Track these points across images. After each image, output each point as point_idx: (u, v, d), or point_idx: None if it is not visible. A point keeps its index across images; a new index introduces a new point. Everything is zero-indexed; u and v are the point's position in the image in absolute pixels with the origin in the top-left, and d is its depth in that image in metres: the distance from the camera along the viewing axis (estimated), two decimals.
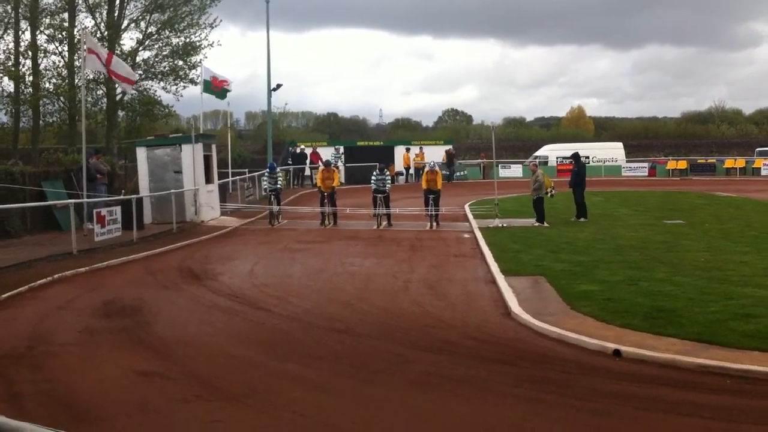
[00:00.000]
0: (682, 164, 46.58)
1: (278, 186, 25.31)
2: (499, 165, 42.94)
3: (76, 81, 32.81)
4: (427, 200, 23.32)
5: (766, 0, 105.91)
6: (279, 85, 41.39)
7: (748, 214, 24.11)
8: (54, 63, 34.32)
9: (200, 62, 35.81)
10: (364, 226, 23.22)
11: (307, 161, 40.51)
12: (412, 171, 42.17)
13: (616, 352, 8.56)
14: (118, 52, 34.23)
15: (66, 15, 34.40)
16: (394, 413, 6.91)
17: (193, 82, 36.21)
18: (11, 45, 33.81)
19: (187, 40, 36.50)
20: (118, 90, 34.81)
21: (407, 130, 73.13)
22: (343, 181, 36.94)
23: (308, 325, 10.44)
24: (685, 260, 14.67)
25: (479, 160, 47.08)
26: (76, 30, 33.41)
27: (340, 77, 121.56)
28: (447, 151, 43.87)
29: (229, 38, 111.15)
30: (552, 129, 75.53)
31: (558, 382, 7.70)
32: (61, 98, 34.24)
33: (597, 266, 14.11)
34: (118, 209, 19.02)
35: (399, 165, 42.70)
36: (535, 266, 14.35)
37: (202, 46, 36.54)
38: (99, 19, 35.29)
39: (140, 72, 35.86)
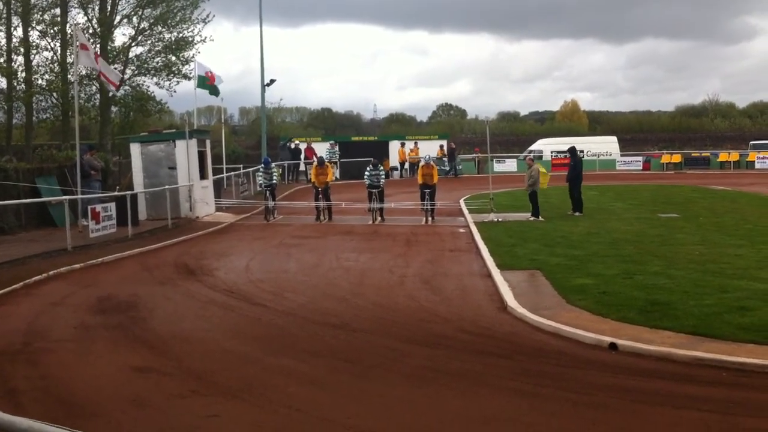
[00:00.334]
0: (677, 158, 46.65)
1: (273, 181, 25.31)
2: (494, 159, 42.95)
3: (69, 77, 32.69)
4: (423, 195, 23.31)
5: None
6: (272, 81, 41.31)
7: (743, 207, 24.17)
8: (46, 59, 34.21)
9: (193, 57, 35.73)
10: (359, 222, 23.20)
11: (302, 156, 40.46)
12: (407, 166, 42.15)
13: (612, 346, 8.58)
14: (110, 47, 34.16)
15: (58, 11, 34.25)
16: (389, 408, 6.90)
17: (186, 77, 36.09)
18: (3, 41, 33.67)
19: (180, 35, 36.39)
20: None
21: (401, 125, 72.99)
22: (337, 176, 36.94)
23: (303, 320, 10.44)
24: (679, 254, 14.71)
25: (474, 155, 47.07)
26: (68, 26, 33.28)
27: (335, 72, 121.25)
28: (449, 146, 43.89)
29: (223, 33, 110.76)
30: (546, 123, 75.45)
31: (554, 375, 7.71)
32: (54, 94, 34.10)
33: (592, 260, 14.13)
34: (112, 205, 18.98)
35: (394, 160, 42.71)
36: (531, 260, 14.37)
37: (195, 41, 36.45)
38: (91, 15, 35.17)
39: (133, 68, 35.76)
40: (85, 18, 34.85)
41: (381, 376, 7.84)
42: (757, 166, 43.86)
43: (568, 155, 26.43)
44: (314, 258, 16.19)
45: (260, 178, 25.85)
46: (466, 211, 24.27)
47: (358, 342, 9.26)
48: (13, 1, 33.14)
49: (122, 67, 34.26)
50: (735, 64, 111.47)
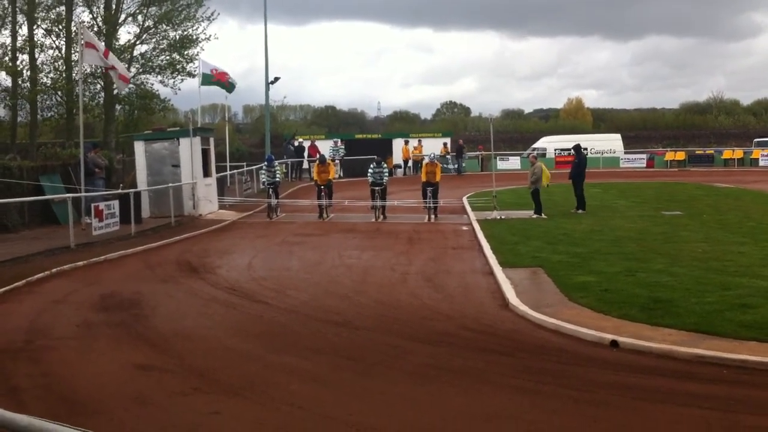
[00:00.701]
0: (681, 155, 46.54)
1: (277, 179, 25.36)
2: (498, 157, 42.88)
3: (74, 75, 32.74)
4: (425, 192, 23.32)
5: None
6: (277, 78, 41.26)
7: (746, 204, 24.13)
8: (51, 57, 34.27)
9: (197, 55, 35.78)
10: (362, 219, 23.21)
11: (305, 154, 40.46)
12: (410, 164, 42.13)
13: (614, 343, 8.58)
14: (114, 46, 34.18)
15: (63, 9, 34.31)
16: (392, 405, 6.92)
17: (190, 75, 36.17)
18: (8, 40, 33.74)
19: (185, 33, 36.44)
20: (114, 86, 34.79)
21: (405, 123, 73.00)
22: (340, 174, 36.95)
23: (306, 317, 10.46)
24: (682, 251, 14.70)
25: (477, 153, 47.04)
26: (73, 24, 33.34)
27: (339, 70, 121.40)
28: (457, 143, 43.84)
29: (228, 31, 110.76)
30: (550, 121, 75.40)
31: (555, 372, 7.71)
32: (59, 92, 34.18)
33: (594, 257, 14.13)
34: (116, 203, 19.00)
35: (398, 158, 42.68)
36: (533, 258, 14.37)
37: (200, 39, 36.49)
38: (96, 13, 35.23)
39: (138, 66, 35.81)
40: (90, 16, 34.95)
41: (383, 373, 7.85)
42: (762, 163, 43.71)
43: (572, 152, 26.41)
44: (317, 256, 16.21)
45: (263, 175, 25.88)
46: (469, 209, 24.26)
47: (360, 339, 9.28)
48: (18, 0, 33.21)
49: (127, 65, 34.30)
50: (740, 61, 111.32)
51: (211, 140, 26.22)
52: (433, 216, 22.94)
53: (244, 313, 10.80)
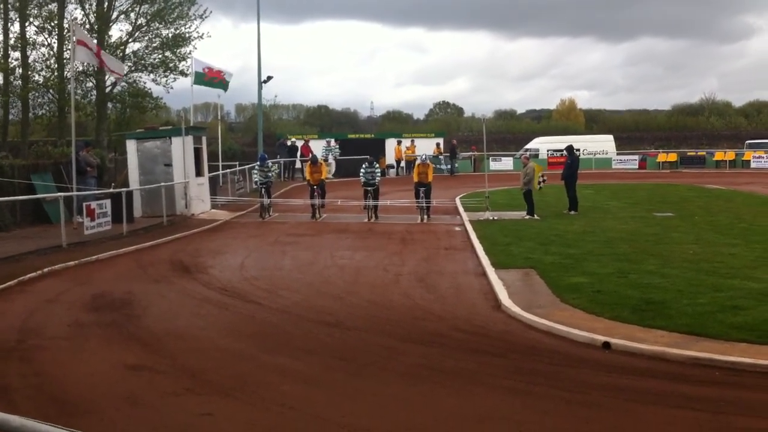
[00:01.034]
0: (673, 157, 46.65)
1: (270, 178, 25.32)
2: (490, 158, 42.93)
3: (66, 73, 32.65)
4: (417, 193, 23.33)
5: None
6: (270, 77, 41.25)
7: (738, 206, 24.20)
8: (43, 55, 34.16)
9: (190, 54, 35.70)
10: (354, 219, 23.20)
11: (298, 154, 40.42)
12: (403, 164, 42.12)
13: (606, 345, 8.60)
14: (106, 43, 34.09)
15: (55, 6, 34.18)
16: (384, 406, 6.92)
17: (183, 74, 36.07)
18: (0, 37, 33.59)
19: (177, 31, 36.36)
20: (108, 82, 34.68)
21: (398, 123, 72.94)
22: (332, 174, 36.91)
23: (298, 318, 10.45)
24: (674, 252, 14.74)
25: (470, 153, 47.07)
26: (65, 21, 33.22)
27: (332, 69, 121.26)
28: (450, 144, 43.84)
29: (222, 30, 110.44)
30: (543, 122, 75.43)
31: (547, 374, 7.73)
32: (51, 90, 34.07)
33: (587, 259, 14.16)
34: (107, 202, 18.93)
35: (390, 158, 42.67)
36: (525, 259, 14.39)
37: (192, 37, 36.42)
38: (88, 11, 35.13)
39: (130, 64, 35.70)
40: (82, 13, 34.85)
41: (375, 374, 7.86)
42: (753, 165, 43.84)
43: (565, 153, 26.45)
44: (309, 256, 16.19)
45: (256, 175, 25.86)
46: (461, 210, 24.28)
47: (352, 340, 9.28)
48: None
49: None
50: (732, 63, 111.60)
51: (204, 139, 26.18)
52: (425, 216, 22.95)
53: (236, 313, 10.79)
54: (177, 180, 23.20)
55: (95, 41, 26.79)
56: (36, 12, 33.87)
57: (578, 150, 34.59)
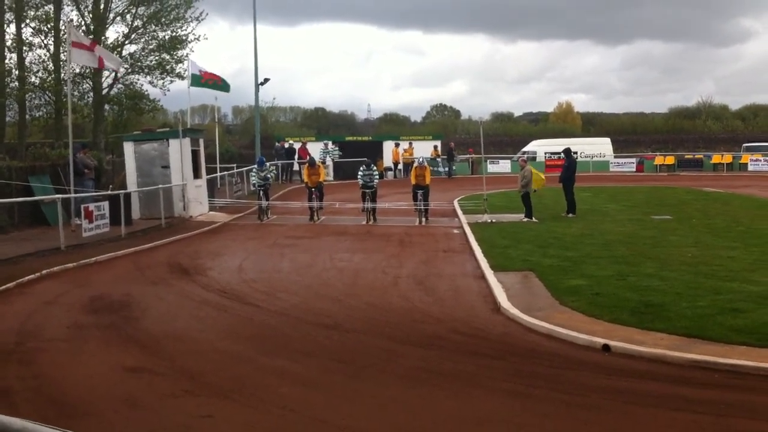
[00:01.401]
0: (670, 160, 46.70)
1: (267, 181, 25.28)
2: (488, 160, 42.95)
3: (63, 75, 32.60)
4: (415, 195, 23.33)
5: None
6: (266, 80, 41.21)
7: (735, 209, 24.22)
8: (40, 57, 34.10)
9: (187, 56, 35.67)
10: (352, 222, 23.19)
11: (296, 156, 40.42)
12: (401, 166, 42.12)
13: (605, 347, 8.59)
14: (102, 45, 34.03)
15: (51, 7, 34.13)
16: (382, 408, 6.91)
17: (180, 76, 36.03)
18: None
19: (174, 33, 36.33)
20: (105, 84, 34.66)
21: (395, 125, 72.93)
22: (331, 177, 36.94)
23: (297, 320, 10.44)
24: (672, 255, 14.74)
25: (468, 156, 47.11)
26: (61, 23, 33.18)
27: (329, 72, 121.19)
28: (448, 146, 43.86)
29: (219, 32, 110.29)
30: (540, 124, 75.54)
31: (547, 376, 7.72)
32: (48, 92, 34.02)
33: (585, 261, 14.15)
34: (105, 204, 18.93)
35: (388, 160, 42.67)
36: (524, 261, 14.39)
37: (189, 39, 36.40)
38: (85, 12, 35.08)
39: (126, 66, 35.66)
40: (78, 14, 34.80)
41: (374, 376, 7.84)
42: (750, 168, 43.91)
43: (562, 156, 26.46)
44: (308, 258, 16.18)
45: (254, 177, 25.84)
46: (459, 212, 24.28)
47: (351, 342, 9.26)
48: None
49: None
50: (729, 67, 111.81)
51: (201, 141, 26.16)
52: (424, 219, 22.95)
53: (234, 316, 10.77)
54: (175, 182, 23.18)
55: (91, 37, 26.72)
56: (32, 14, 33.83)
57: (576, 153, 34.61)
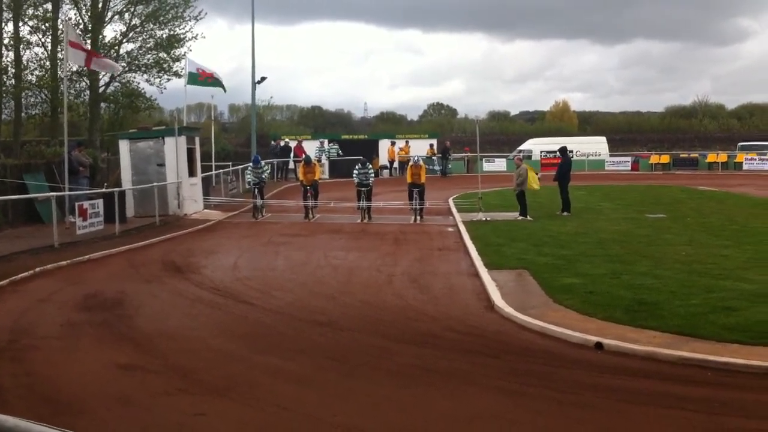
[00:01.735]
0: (665, 158, 46.78)
1: (263, 179, 25.27)
2: (483, 159, 42.97)
3: (59, 73, 32.54)
4: (411, 194, 23.34)
5: None
6: (263, 78, 41.21)
7: (730, 208, 24.27)
8: (37, 55, 34.04)
9: (184, 55, 35.62)
10: (348, 220, 23.20)
11: (291, 154, 40.40)
12: (396, 165, 42.11)
13: (598, 345, 8.61)
14: (100, 43, 34.00)
15: (50, 6, 34.06)
16: (376, 406, 6.91)
17: (177, 74, 35.98)
18: None
19: (172, 32, 36.28)
20: (102, 82, 34.59)
21: (392, 124, 72.91)
22: (326, 175, 36.92)
23: (291, 318, 10.44)
24: (666, 254, 14.77)
25: (463, 154, 47.13)
26: (59, 21, 33.10)
27: (326, 70, 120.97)
28: (444, 145, 43.87)
29: (217, 31, 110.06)
30: (536, 123, 75.57)
31: (540, 374, 7.73)
32: (44, 90, 33.95)
33: (579, 260, 14.17)
34: (100, 202, 18.89)
35: (383, 159, 42.67)
36: (518, 260, 14.40)
37: (187, 38, 36.35)
38: (83, 10, 35.01)
39: (124, 64, 35.60)
40: (76, 13, 34.72)
41: (368, 374, 7.85)
42: (745, 167, 43.96)
43: (558, 155, 26.48)
44: (302, 256, 16.18)
45: (249, 175, 25.81)
46: (454, 210, 24.30)
47: (345, 340, 9.26)
48: None
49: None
50: (725, 66, 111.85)
51: (197, 139, 26.11)
52: (418, 217, 22.96)
53: (228, 314, 10.77)
54: (170, 180, 23.16)
55: (89, 42, 26.69)
56: (31, 12, 33.76)
57: (571, 151, 34.62)
